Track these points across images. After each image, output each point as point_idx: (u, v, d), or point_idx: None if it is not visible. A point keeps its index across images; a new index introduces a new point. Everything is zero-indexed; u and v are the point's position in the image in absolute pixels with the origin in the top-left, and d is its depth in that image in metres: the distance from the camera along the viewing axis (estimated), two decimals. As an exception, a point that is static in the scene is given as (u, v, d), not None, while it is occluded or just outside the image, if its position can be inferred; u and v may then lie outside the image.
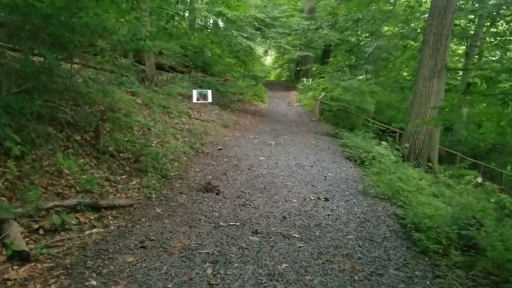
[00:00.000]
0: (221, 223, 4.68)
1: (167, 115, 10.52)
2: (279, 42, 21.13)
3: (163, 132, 8.61)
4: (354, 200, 6.07)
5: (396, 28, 21.87)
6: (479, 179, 9.70)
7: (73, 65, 7.72)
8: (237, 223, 4.74)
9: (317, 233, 4.63)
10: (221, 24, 19.63)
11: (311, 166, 7.91)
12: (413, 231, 4.89)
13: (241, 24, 19.02)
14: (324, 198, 5.97)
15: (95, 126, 6.44)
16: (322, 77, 21.29)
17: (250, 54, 18.36)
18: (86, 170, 5.55)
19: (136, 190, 5.48)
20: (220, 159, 7.94)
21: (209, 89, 14.58)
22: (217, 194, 5.74)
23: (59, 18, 5.57)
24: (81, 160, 5.81)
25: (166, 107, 11.14)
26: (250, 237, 4.34)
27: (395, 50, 15.91)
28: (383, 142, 8.27)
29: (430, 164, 12.89)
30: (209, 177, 6.64)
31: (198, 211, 5.04)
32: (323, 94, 16.91)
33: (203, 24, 17.89)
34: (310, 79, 23.46)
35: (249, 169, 7.39)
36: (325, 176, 7.26)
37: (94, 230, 4.18)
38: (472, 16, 15.60)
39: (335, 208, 5.60)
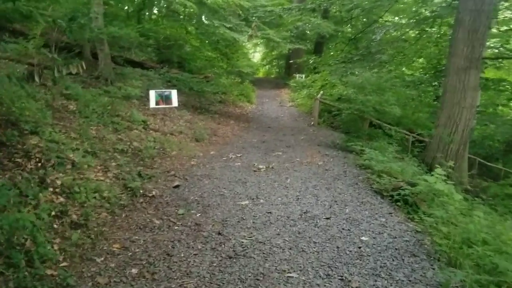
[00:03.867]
0: None
1: (111, 126, 6.96)
2: (267, 34, 17.70)
3: (87, 160, 5.04)
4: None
5: (398, 18, 18.51)
6: None
7: None
8: None
9: None
10: (203, 18, 16.08)
11: (327, 218, 4.41)
12: None
13: (224, 14, 15.41)
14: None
15: None
16: (317, 73, 17.86)
17: (233, 46, 14.78)
18: None
19: None
20: (172, 210, 4.40)
21: (181, 88, 11.05)
22: None
23: None
24: None
25: (113, 115, 7.63)
26: None
27: (404, 41, 12.45)
28: (438, 170, 4.85)
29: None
30: (132, 271, 3.09)
31: None
32: (321, 92, 13.46)
33: (175, 10, 14.26)
34: (303, 75, 19.99)
35: (219, 234, 3.87)
36: (359, 247, 3.77)
37: None
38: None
39: None
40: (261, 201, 4.85)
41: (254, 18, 12.08)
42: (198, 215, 4.29)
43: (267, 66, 34.27)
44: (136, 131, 7.40)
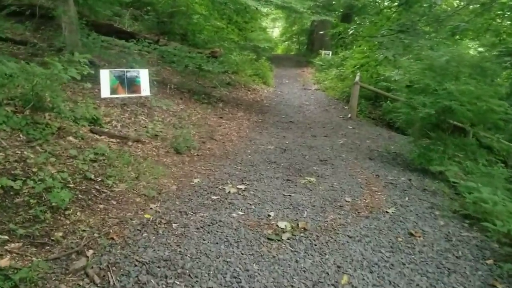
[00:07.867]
0: None
1: (24, 131, 3.79)
2: (289, 2, 14.02)
3: None
4: None
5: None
6: None
7: None
8: None
9: None
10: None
11: None
12: None
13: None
14: None
15: None
16: (348, 48, 14.20)
17: (246, 12, 11.21)
18: None
19: None
20: None
21: (175, 66, 7.74)
22: None
23: None
24: None
25: (44, 109, 4.49)
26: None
27: (481, 5, 8.65)
28: None
29: None
30: None
31: None
32: (358, 73, 9.92)
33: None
34: (330, 52, 16.28)
35: None
36: None
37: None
38: None
39: None
40: None
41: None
42: None
43: (286, 42, 30.30)
44: (70, 138, 4.18)
